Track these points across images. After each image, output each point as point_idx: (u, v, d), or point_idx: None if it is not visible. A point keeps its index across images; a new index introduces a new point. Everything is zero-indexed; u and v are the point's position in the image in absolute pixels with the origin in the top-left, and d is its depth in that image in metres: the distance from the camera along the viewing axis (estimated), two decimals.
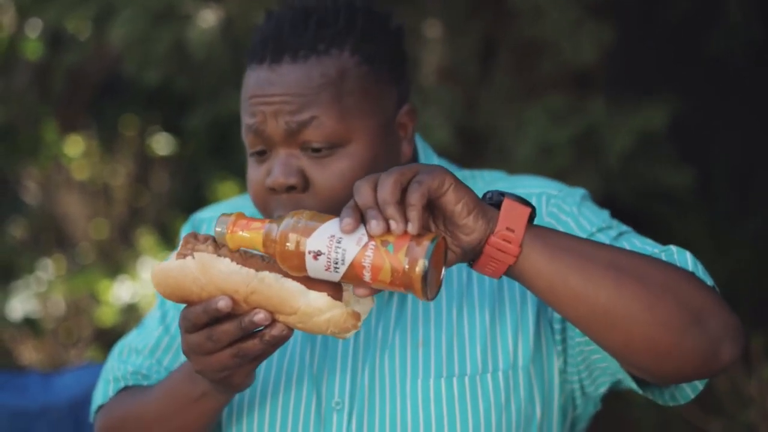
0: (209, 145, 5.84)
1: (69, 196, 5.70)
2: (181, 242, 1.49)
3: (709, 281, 1.54)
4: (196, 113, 4.62)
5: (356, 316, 1.43)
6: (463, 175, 1.85)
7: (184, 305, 1.82)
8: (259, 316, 1.42)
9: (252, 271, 1.42)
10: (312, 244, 1.38)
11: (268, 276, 1.41)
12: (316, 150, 1.66)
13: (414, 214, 1.35)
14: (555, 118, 3.65)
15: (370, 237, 1.36)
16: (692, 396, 1.61)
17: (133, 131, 6.02)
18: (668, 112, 3.67)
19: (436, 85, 3.92)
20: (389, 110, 1.73)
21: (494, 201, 1.45)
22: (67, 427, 3.45)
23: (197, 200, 5.67)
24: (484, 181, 1.84)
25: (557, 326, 1.70)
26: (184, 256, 1.45)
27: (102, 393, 1.80)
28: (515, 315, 1.72)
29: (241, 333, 1.44)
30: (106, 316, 5.21)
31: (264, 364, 1.75)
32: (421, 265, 1.34)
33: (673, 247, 1.59)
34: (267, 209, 1.70)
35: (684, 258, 1.57)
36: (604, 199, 3.63)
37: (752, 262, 4.30)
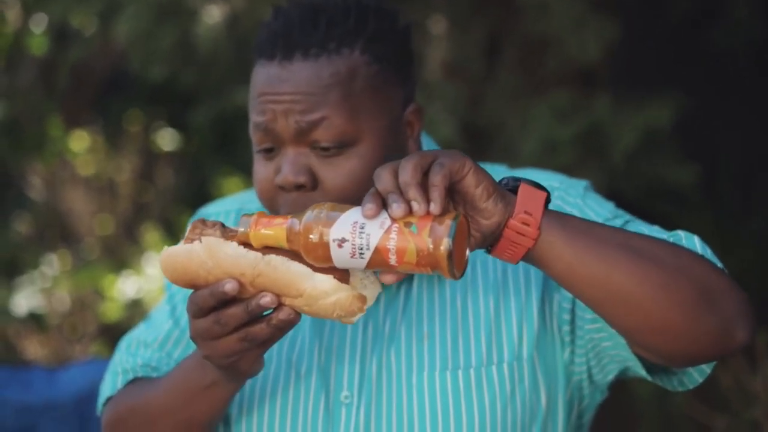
0: (214, 141, 5.85)
1: (74, 192, 5.72)
2: (189, 228, 1.49)
3: (719, 263, 1.55)
4: (200, 109, 4.63)
5: (362, 299, 1.44)
6: None
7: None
8: (266, 299, 1.42)
9: (258, 254, 1.43)
10: (335, 232, 1.38)
11: (274, 259, 1.42)
12: (326, 149, 1.66)
13: (436, 194, 1.36)
14: (560, 116, 3.65)
15: (393, 220, 1.37)
16: (700, 380, 1.62)
17: (138, 127, 6.03)
18: (673, 110, 3.67)
19: (441, 81, 3.93)
20: (396, 109, 1.73)
21: (510, 186, 1.46)
22: (72, 421, 3.47)
23: (202, 196, 5.68)
24: None
25: (566, 317, 1.71)
26: (192, 241, 1.46)
27: (110, 385, 1.80)
28: (519, 306, 1.73)
29: (248, 317, 1.44)
30: (111, 311, 5.23)
31: (273, 358, 1.75)
32: (445, 243, 1.35)
33: (680, 232, 1.60)
34: (274, 206, 1.70)
35: (692, 242, 1.58)
36: (608, 196, 3.62)
37: (756, 261, 4.30)
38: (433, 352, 1.72)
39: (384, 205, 1.38)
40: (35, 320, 5.19)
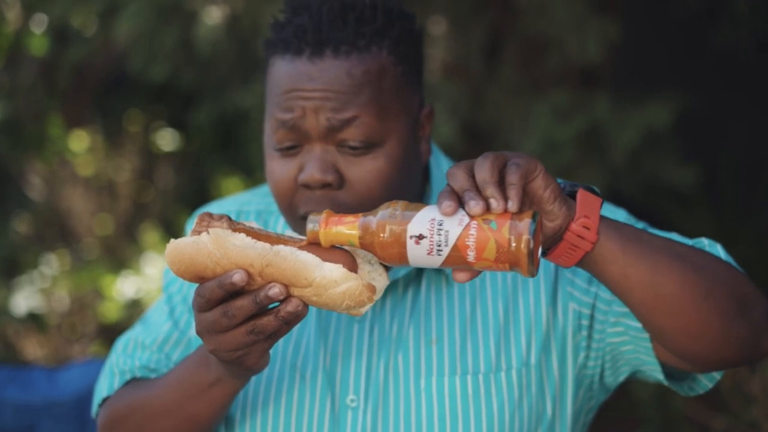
0: (214, 141, 5.85)
1: (73, 192, 5.71)
2: (195, 220, 1.49)
3: (743, 271, 1.59)
4: (201, 109, 4.63)
5: (372, 288, 1.44)
6: None
7: (190, 303, 1.83)
8: (274, 290, 1.42)
9: (267, 244, 1.43)
10: (413, 228, 1.39)
11: (283, 249, 1.42)
12: (353, 148, 1.66)
13: (513, 192, 1.38)
14: (560, 114, 3.66)
15: (471, 217, 1.38)
16: (710, 386, 1.67)
17: (138, 127, 6.03)
18: (673, 108, 3.68)
19: (442, 82, 3.93)
20: (414, 111, 1.74)
21: (567, 191, 1.48)
22: (71, 421, 3.46)
23: (202, 196, 5.68)
24: None
25: (585, 322, 1.73)
26: (199, 233, 1.46)
27: (107, 385, 1.78)
28: (528, 314, 1.74)
29: (257, 308, 1.44)
30: (110, 311, 5.22)
31: (277, 361, 1.75)
32: (525, 240, 1.37)
33: (704, 239, 1.65)
34: (293, 204, 1.69)
35: (716, 249, 1.63)
36: (608, 196, 3.63)
37: (759, 258, 4.30)
38: (442, 356, 1.72)
39: (460, 202, 1.39)
40: (34, 320, 5.18)
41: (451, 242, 1.38)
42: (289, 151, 1.68)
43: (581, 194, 1.46)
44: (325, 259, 1.42)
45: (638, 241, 1.48)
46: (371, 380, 1.72)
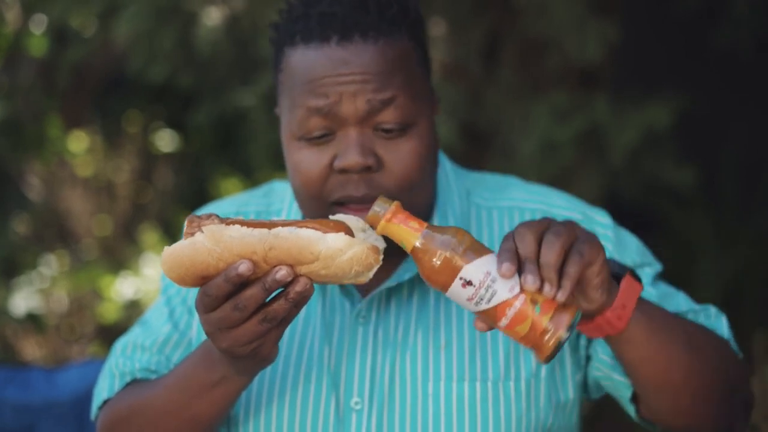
0: (213, 142, 5.84)
1: (72, 192, 5.71)
2: (185, 225, 1.48)
3: (738, 352, 1.67)
4: (200, 110, 4.62)
5: (376, 249, 1.45)
6: (472, 179, 1.86)
7: (189, 304, 1.82)
8: (282, 273, 1.42)
9: (264, 229, 1.42)
10: (468, 273, 1.41)
11: (282, 230, 1.42)
12: (388, 131, 1.66)
13: (568, 284, 1.39)
14: (560, 115, 3.66)
15: (522, 289, 1.40)
16: None
17: (137, 127, 6.02)
18: (673, 109, 3.67)
19: (441, 83, 3.93)
20: (431, 96, 1.76)
21: (613, 273, 1.50)
22: (70, 422, 3.46)
23: (201, 197, 5.67)
24: (489, 190, 1.85)
25: (582, 352, 1.75)
26: (192, 235, 1.45)
27: (107, 387, 1.77)
28: None
29: (266, 295, 1.43)
30: (109, 312, 5.22)
31: (282, 361, 1.74)
32: (558, 337, 1.40)
33: (711, 309, 1.69)
34: (323, 193, 1.68)
35: (720, 322, 1.68)
36: (608, 197, 3.63)
37: (758, 259, 4.29)
38: (450, 361, 1.72)
39: (518, 266, 1.41)
40: (33, 321, 5.17)
41: (494, 303, 1.41)
42: (320, 139, 1.67)
43: (626, 283, 1.47)
44: (324, 233, 1.42)
45: (662, 331, 1.52)
46: (376, 383, 1.72)
